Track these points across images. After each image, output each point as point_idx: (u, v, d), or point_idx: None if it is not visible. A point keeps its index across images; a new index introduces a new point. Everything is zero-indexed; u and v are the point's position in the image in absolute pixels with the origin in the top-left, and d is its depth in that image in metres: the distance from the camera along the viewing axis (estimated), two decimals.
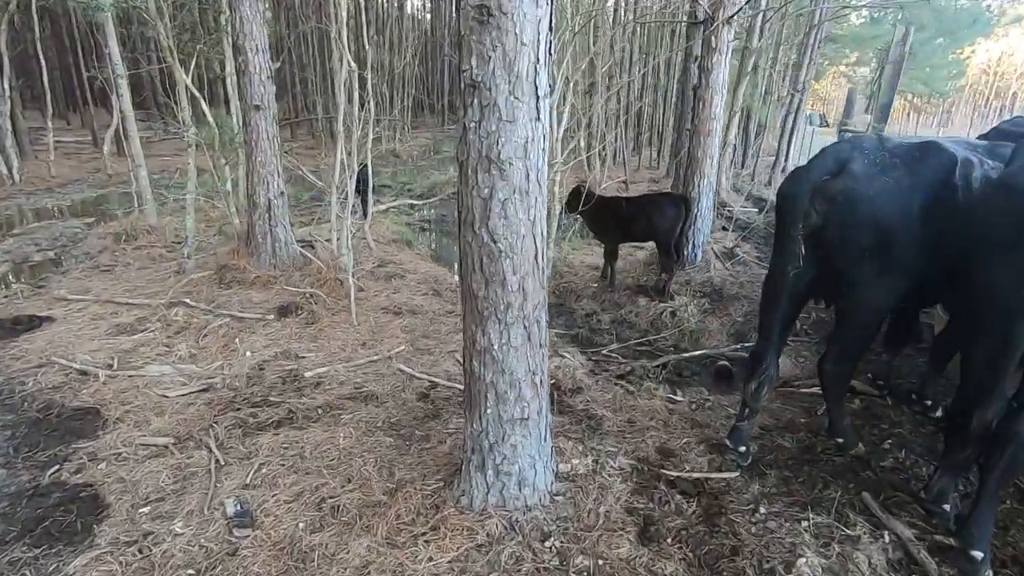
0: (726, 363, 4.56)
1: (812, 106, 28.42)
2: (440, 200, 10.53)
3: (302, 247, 6.44)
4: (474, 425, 2.56)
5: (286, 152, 14.11)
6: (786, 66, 14.11)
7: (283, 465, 3.09)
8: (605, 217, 5.79)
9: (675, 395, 4.03)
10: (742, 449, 3.10)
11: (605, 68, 11.29)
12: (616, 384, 4.14)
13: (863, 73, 31.88)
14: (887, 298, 2.73)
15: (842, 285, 2.78)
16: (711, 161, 6.10)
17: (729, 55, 5.97)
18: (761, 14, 8.67)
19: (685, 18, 8.96)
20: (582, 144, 11.78)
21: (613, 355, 4.76)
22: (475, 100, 2.11)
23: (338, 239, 5.67)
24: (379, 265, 6.23)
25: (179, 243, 6.35)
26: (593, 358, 4.72)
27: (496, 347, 2.39)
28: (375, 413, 3.63)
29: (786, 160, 12.67)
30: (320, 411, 3.67)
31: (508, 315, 2.35)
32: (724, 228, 8.16)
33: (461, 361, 2.81)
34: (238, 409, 3.67)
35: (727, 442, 3.15)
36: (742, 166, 13.06)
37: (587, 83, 11.51)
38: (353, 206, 5.61)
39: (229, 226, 6.16)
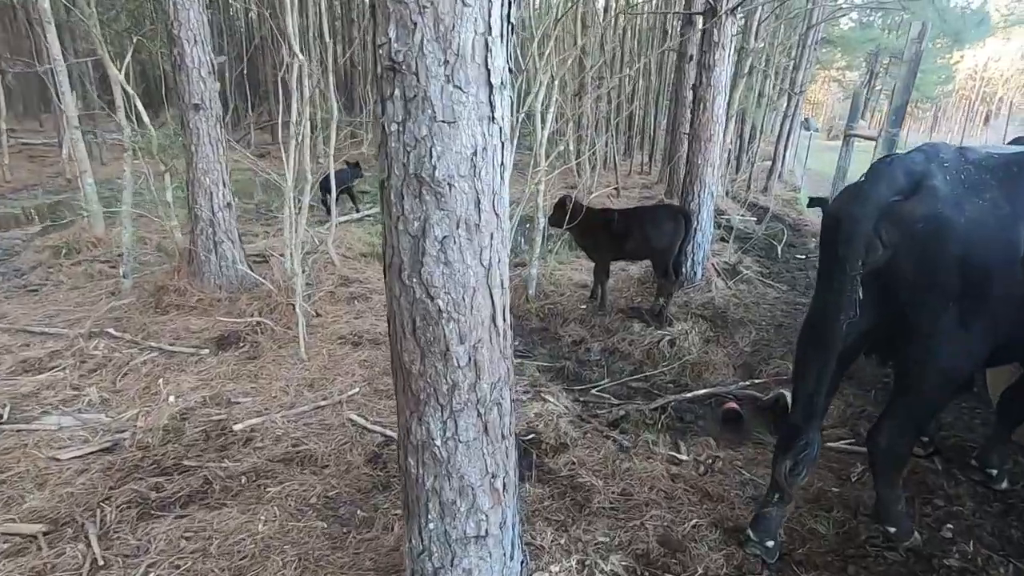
0: (734, 406, 3.85)
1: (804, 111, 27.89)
2: None
3: (256, 262, 5.69)
4: (413, 542, 1.82)
5: (260, 155, 13.32)
6: (779, 69, 13.49)
7: (177, 568, 2.35)
8: (595, 232, 5.07)
9: (678, 452, 3.31)
10: (769, 544, 2.38)
11: (595, 68, 10.59)
12: (607, 437, 3.41)
13: (851, 78, 31.50)
14: (970, 358, 2.02)
15: (910, 339, 2.07)
16: (712, 169, 5.41)
17: (732, 51, 5.28)
18: (759, 9, 8.02)
19: (682, 9, 8.27)
20: (571, 148, 11.09)
21: (604, 395, 4.03)
22: (396, 90, 1.38)
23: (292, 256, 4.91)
24: (342, 284, 5.47)
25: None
26: (581, 398, 4.00)
27: (439, 442, 1.65)
28: (310, 484, 2.88)
29: (782, 166, 12.03)
30: (243, 480, 2.92)
31: (455, 399, 1.62)
32: (723, 239, 7.47)
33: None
34: (141, 478, 2.91)
35: (749, 532, 2.43)
36: (737, 171, 12.40)
37: (576, 84, 10.81)
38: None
39: (170, 242, 5.38)
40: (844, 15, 15.75)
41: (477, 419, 1.65)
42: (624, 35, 13.23)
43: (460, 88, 1.36)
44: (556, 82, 4.94)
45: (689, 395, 4.01)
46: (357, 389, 3.78)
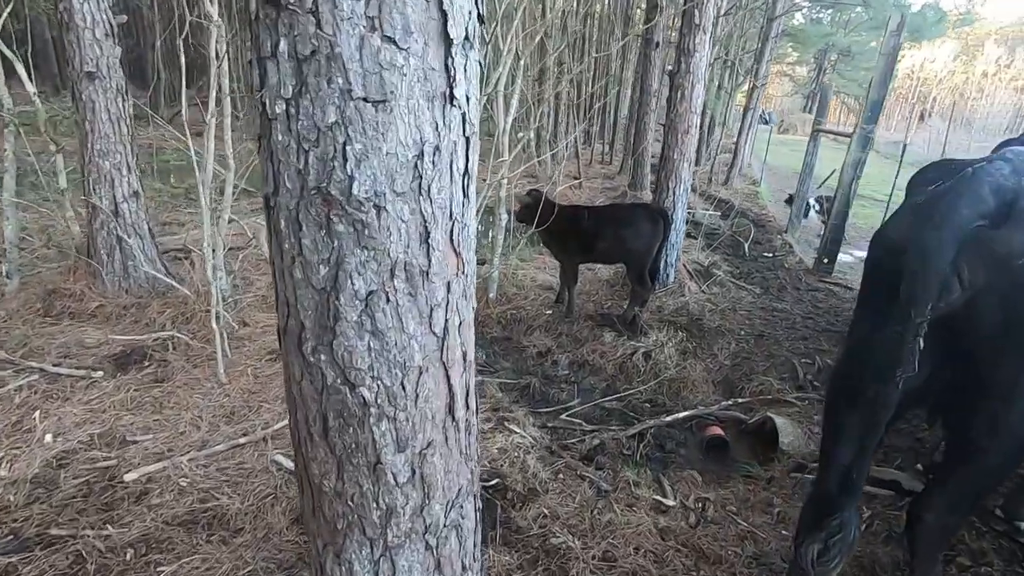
0: (718, 431, 3.42)
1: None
2: None
3: (177, 259, 4.89)
4: None
5: (197, 134, 12.13)
6: (736, 60, 13.27)
7: None
8: (563, 232, 4.53)
9: (663, 496, 2.84)
10: None
11: (558, 51, 10.00)
12: (583, 477, 2.91)
13: (800, 73, 32.07)
14: None
15: (980, 398, 1.62)
16: (688, 164, 4.95)
17: (712, 35, 4.81)
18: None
19: None
20: (531, 137, 10.51)
21: (575, 421, 3.53)
22: (281, 43, 0.78)
23: (213, 254, 4.17)
24: None
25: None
26: (550, 424, 3.49)
27: None
28: (217, 559, 2.25)
29: (743, 159, 11.83)
30: (128, 556, 2.26)
31: (391, 529, 1.04)
32: (690, 235, 7.08)
33: None
34: None
35: None
36: (697, 164, 12.12)
37: (536, 69, 10.20)
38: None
39: (66, 237, 4.51)
40: (804, 8, 15.67)
41: (426, 554, 1.09)
42: (585, 20, 12.66)
43: (393, 42, 0.76)
44: (522, 61, 4.33)
45: (668, 419, 3.56)
46: (286, 421, 3.13)
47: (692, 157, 4.94)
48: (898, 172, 9.39)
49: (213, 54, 3.73)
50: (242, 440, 2.97)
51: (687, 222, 7.48)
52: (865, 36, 26.44)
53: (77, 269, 4.18)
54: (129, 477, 2.65)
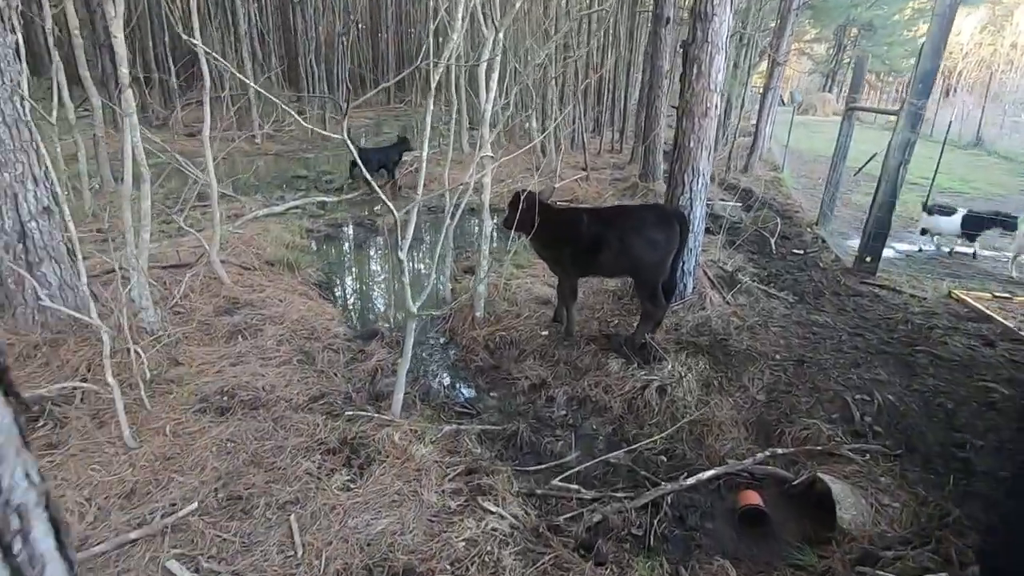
0: (755, 500, 2.62)
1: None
2: (361, 197, 8.25)
3: (110, 282, 4.18)
4: None
5: (190, 135, 11.48)
6: (755, 36, 12.17)
7: None
8: (557, 240, 3.73)
9: None
10: None
11: (561, 34, 9.10)
12: None
13: (819, 51, 30.46)
14: None
15: None
16: (707, 153, 4.09)
17: None
18: None
19: None
20: (534, 125, 9.65)
21: (571, 487, 2.75)
22: None
23: (134, 279, 3.45)
24: (225, 310, 4.03)
25: None
26: (538, 491, 2.71)
27: None
28: None
29: (764, 143, 10.83)
30: None
31: None
32: (708, 230, 6.21)
33: None
34: None
35: None
36: (714, 149, 11.13)
37: (543, 54, 9.29)
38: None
39: None
40: None
41: None
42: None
43: None
44: (502, 36, 3.50)
45: (690, 480, 2.76)
46: (196, 504, 2.40)
47: (711, 144, 4.08)
48: (942, 151, 8.36)
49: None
50: (134, 535, 2.24)
51: (706, 217, 6.60)
52: (887, 9, 24.87)
53: None
54: None
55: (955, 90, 34.74)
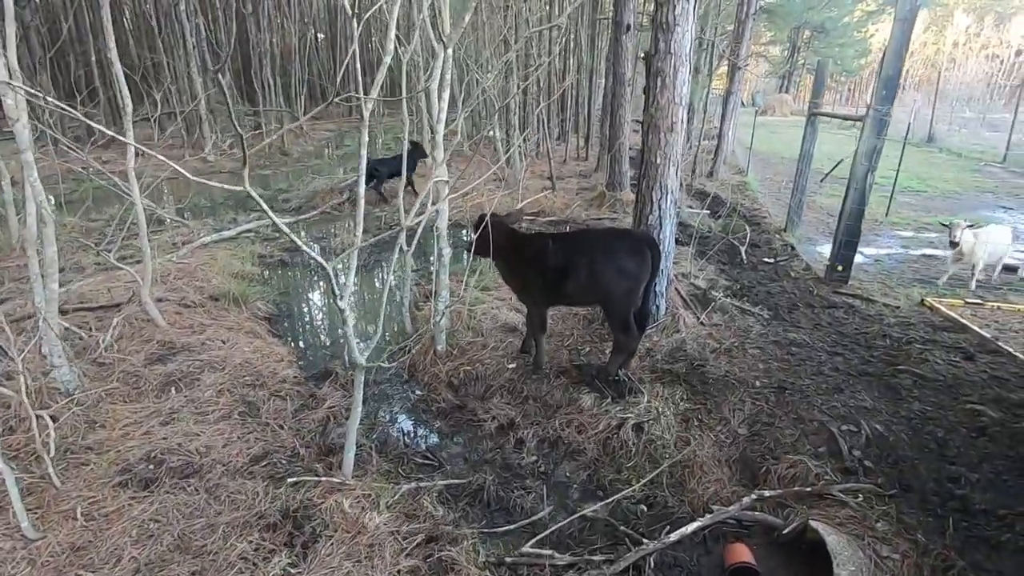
0: (745, 556, 2.37)
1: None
2: (321, 215, 7.83)
3: (26, 330, 3.73)
4: None
5: (138, 154, 10.83)
6: (715, 41, 12.18)
7: None
8: (523, 267, 3.45)
9: None
10: None
11: (520, 43, 8.86)
12: None
13: (774, 53, 31.05)
14: None
15: None
16: (675, 168, 3.87)
17: (696, 7, 3.72)
18: None
19: None
20: (496, 135, 9.38)
21: (543, 551, 2.46)
22: None
23: (42, 332, 3.02)
24: (158, 357, 3.61)
25: None
26: (508, 559, 2.41)
27: None
28: None
29: (727, 147, 10.79)
30: None
31: None
32: (677, 240, 6.01)
33: None
34: None
35: None
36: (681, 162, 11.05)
37: (503, 63, 9.04)
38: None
39: None
40: None
41: None
42: (551, 5, 11.50)
43: None
44: (451, 52, 3.20)
45: (674, 536, 2.49)
46: None
47: (679, 160, 3.86)
48: (903, 151, 8.41)
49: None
50: None
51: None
52: (838, 12, 25.47)
53: None
54: None
55: (904, 88, 35.92)
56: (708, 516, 2.61)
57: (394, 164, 8.22)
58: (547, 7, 11.57)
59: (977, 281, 5.29)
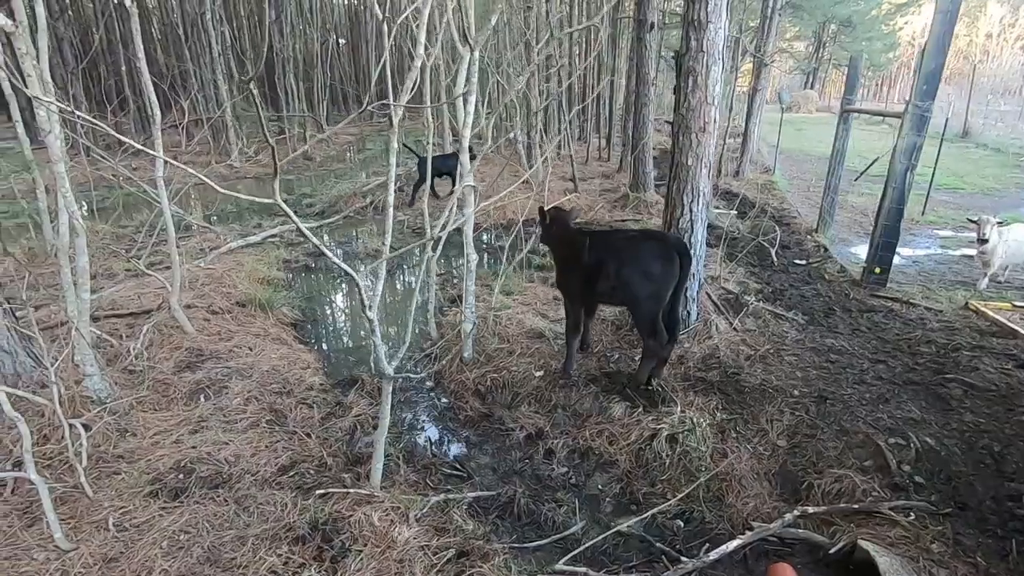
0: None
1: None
2: (344, 219, 7.86)
3: (58, 337, 3.77)
4: None
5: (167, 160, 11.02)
6: (741, 36, 11.93)
7: None
8: (567, 263, 3.43)
9: None
10: None
11: (543, 44, 8.78)
12: None
13: (799, 48, 30.39)
14: None
15: None
16: (707, 171, 3.74)
17: (729, 2, 3.59)
18: None
19: None
20: (519, 138, 9.31)
21: (578, 569, 2.37)
22: None
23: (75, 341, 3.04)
24: (186, 365, 3.62)
25: None
26: None
27: None
28: None
29: (753, 146, 10.55)
30: None
31: None
32: (707, 243, 5.87)
33: None
34: None
35: None
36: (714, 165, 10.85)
37: (529, 66, 8.93)
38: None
39: None
40: None
41: None
42: (571, 6, 11.40)
43: None
44: (477, 55, 3.15)
45: (713, 555, 2.39)
46: None
47: (711, 162, 3.74)
48: (939, 147, 8.10)
49: None
50: None
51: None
52: (864, 5, 24.79)
53: None
54: None
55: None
56: (749, 533, 2.49)
57: (447, 162, 7.81)
58: (567, 8, 11.47)
59: (990, 280, 5.11)
